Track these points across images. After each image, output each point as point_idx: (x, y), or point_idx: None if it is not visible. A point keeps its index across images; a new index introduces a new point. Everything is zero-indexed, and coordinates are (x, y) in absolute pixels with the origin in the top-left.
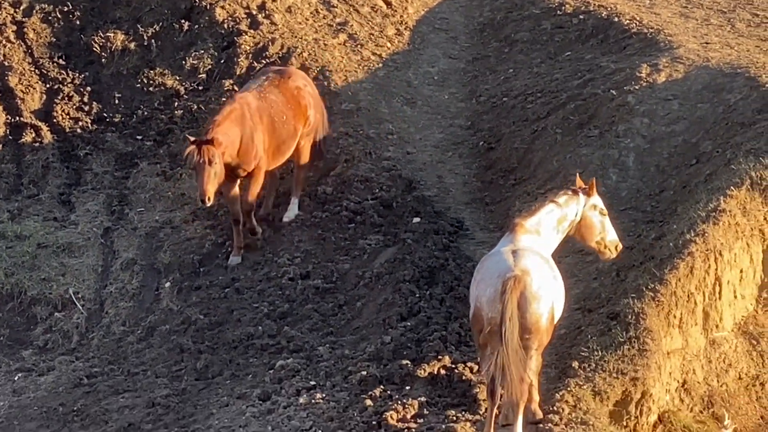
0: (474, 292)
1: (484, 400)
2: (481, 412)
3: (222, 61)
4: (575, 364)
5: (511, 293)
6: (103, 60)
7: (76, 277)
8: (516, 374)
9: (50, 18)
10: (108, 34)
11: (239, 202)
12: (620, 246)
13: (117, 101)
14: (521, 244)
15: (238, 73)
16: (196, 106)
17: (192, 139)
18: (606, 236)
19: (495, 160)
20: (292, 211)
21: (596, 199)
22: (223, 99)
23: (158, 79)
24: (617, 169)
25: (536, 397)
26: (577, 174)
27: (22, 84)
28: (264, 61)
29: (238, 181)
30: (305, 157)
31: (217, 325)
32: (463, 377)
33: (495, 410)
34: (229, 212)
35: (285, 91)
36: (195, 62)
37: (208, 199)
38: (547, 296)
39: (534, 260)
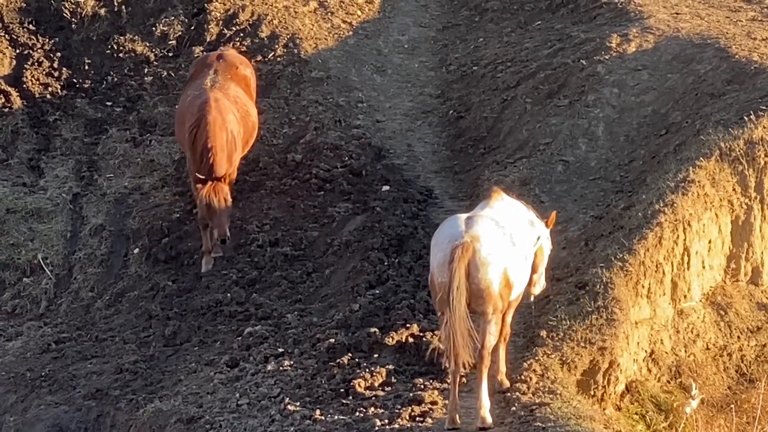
0: (430, 258)
1: (445, 368)
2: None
3: (192, 28)
4: (543, 333)
5: (459, 261)
6: (73, 26)
7: (44, 242)
8: (461, 341)
9: None
10: None
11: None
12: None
13: (87, 67)
14: (486, 210)
15: (208, 39)
16: (165, 73)
17: (202, 178)
18: (542, 274)
19: (464, 128)
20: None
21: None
22: (191, 97)
23: (128, 45)
24: (586, 139)
25: (503, 368)
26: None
27: None
28: (234, 28)
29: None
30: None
31: (186, 292)
32: (431, 345)
33: (458, 377)
34: (198, 215)
35: (239, 82)
36: (165, 29)
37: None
38: (498, 262)
39: (487, 226)
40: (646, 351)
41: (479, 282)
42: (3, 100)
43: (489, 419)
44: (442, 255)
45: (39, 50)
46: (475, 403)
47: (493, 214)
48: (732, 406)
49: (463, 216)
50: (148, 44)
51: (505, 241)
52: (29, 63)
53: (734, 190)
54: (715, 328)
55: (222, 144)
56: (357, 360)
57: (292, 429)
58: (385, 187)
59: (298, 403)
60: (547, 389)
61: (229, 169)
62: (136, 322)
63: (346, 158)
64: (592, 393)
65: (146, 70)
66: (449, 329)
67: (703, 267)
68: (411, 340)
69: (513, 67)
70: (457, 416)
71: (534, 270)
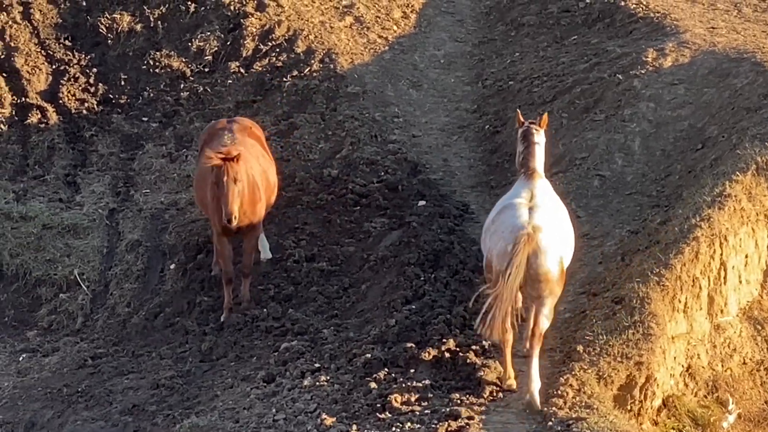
0: (486, 242)
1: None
2: (485, 394)
3: (228, 43)
4: (580, 348)
5: (521, 251)
6: (109, 41)
7: (81, 258)
8: (502, 315)
9: None
10: (114, 15)
11: (232, 262)
12: None
13: (123, 83)
14: (537, 191)
15: (244, 55)
16: (201, 88)
17: (216, 155)
18: None
19: (500, 143)
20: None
21: None
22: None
23: (164, 60)
24: (623, 154)
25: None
26: None
27: (28, 65)
28: (270, 44)
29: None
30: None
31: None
32: (468, 360)
33: (510, 350)
34: (222, 271)
35: (256, 141)
36: (201, 44)
37: (235, 218)
38: (556, 251)
39: (547, 216)
40: (682, 366)
41: (538, 268)
42: (39, 115)
43: (537, 401)
44: (504, 244)
45: (75, 66)
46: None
47: (548, 202)
48: None
49: (523, 204)
50: (184, 60)
51: (562, 231)
52: (65, 79)
53: None
54: (752, 343)
55: (246, 185)
56: (393, 375)
57: None
58: (422, 202)
59: (334, 418)
60: (583, 404)
61: (253, 218)
62: (173, 338)
63: (382, 173)
64: (628, 408)
65: (182, 85)
66: (496, 303)
67: (740, 281)
68: (447, 355)
69: (549, 82)
70: (514, 382)
71: None
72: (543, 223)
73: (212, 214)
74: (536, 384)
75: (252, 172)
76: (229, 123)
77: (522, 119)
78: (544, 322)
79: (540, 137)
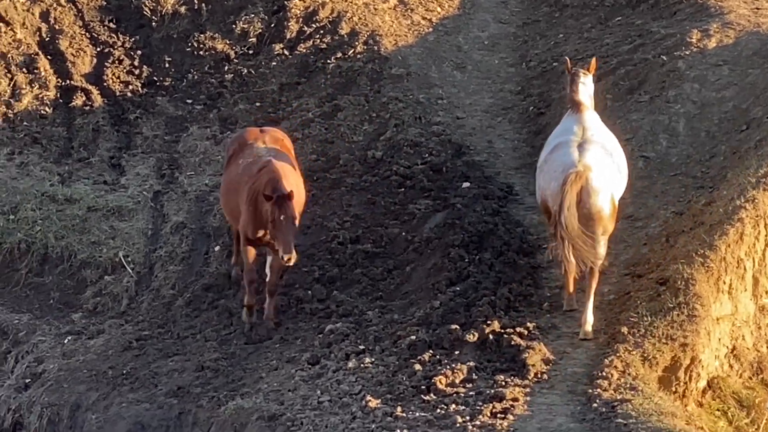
0: (540, 182)
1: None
2: (530, 376)
3: (272, 25)
4: (624, 329)
5: (570, 187)
6: (153, 24)
7: (125, 240)
8: (581, 250)
9: None
10: None
11: (254, 274)
12: None
13: (167, 65)
14: (587, 125)
15: (288, 37)
16: (246, 70)
17: (270, 195)
18: None
19: (545, 125)
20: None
21: None
22: (244, 165)
23: (208, 43)
24: (667, 135)
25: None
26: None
27: (72, 47)
28: (314, 26)
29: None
30: None
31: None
32: (512, 342)
33: (572, 284)
34: (244, 273)
35: (289, 154)
36: (245, 26)
37: (292, 258)
38: (607, 189)
39: (597, 154)
40: (727, 347)
41: (590, 207)
42: (84, 98)
43: (591, 332)
44: (556, 184)
45: (120, 48)
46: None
47: (598, 137)
48: None
49: (574, 141)
50: (228, 42)
51: (614, 168)
52: (110, 61)
53: None
54: None
55: (290, 179)
56: (438, 357)
57: (373, 426)
58: (466, 184)
59: (379, 400)
60: (628, 386)
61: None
62: (218, 320)
63: (426, 155)
64: (673, 389)
65: (226, 67)
66: (563, 246)
67: None
68: (492, 336)
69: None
70: (574, 302)
71: None
72: (593, 161)
73: (245, 227)
74: (590, 321)
75: (293, 180)
76: (261, 133)
77: (571, 66)
78: (598, 254)
79: (587, 79)
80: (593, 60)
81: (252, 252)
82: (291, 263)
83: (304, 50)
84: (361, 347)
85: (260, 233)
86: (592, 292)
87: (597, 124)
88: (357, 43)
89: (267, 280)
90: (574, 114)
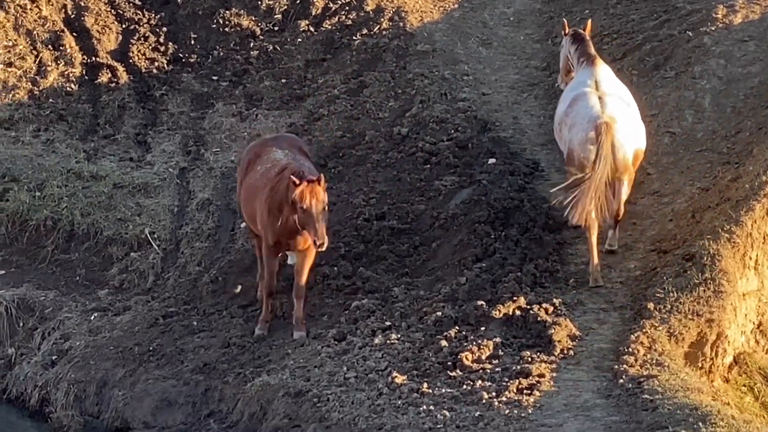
0: (564, 134)
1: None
2: (556, 352)
3: (297, 2)
4: (650, 305)
5: (605, 137)
6: (179, 0)
7: (152, 217)
8: (597, 201)
9: None
10: None
11: (273, 285)
12: None
13: (193, 42)
14: (601, 77)
15: (313, 13)
16: (271, 47)
17: (298, 181)
18: None
19: None
20: None
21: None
22: (263, 170)
23: (234, 19)
24: (693, 111)
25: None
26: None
27: (98, 24)
28: (339, 2)
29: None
30: None
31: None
32: (538, 318)
33: (595, 236)
34: (264, 284)
35: (306, 158)
36: (270, 3)
37: (325, 244)
38: (632, 140)
39: (619, 107)
40: (753, 323)
41: (619, 156)
42: (110, 75)
43: (600, 279)
44: (584, 134)
45: (145, 25)
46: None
47: (614, 89)
48: None
49: (594, 95)
50: (253, 18)
51: (633, 119)
52: (135, 38)
53: None
54: None
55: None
56: (464, 333)
57: (399, 402)
58: (492, 160)
59: (405, 377)
60: (654, 361)
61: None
62: (244, 297)
63: (452, 131)
64: (699, 365)
65: (252, 44)
66: (587, 189)
67: None
68: (518, 312)
69: (619, 39)
70: (600, 276)
71: None
72: (616, 113)
73: (266, 230)
74: (595, 268)
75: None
76: (278, 140)
77: (568, 28)
78: (623, 197)
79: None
80: (589, 22)
81: (274, 258)
82: (323, 249)
83: (330, 26)
84: (387, 323)
85: (281, 235)
86: (616, 227)
87: (610, 75)
88: (382, 19)
89: (294, 283)
90: (588, 67)
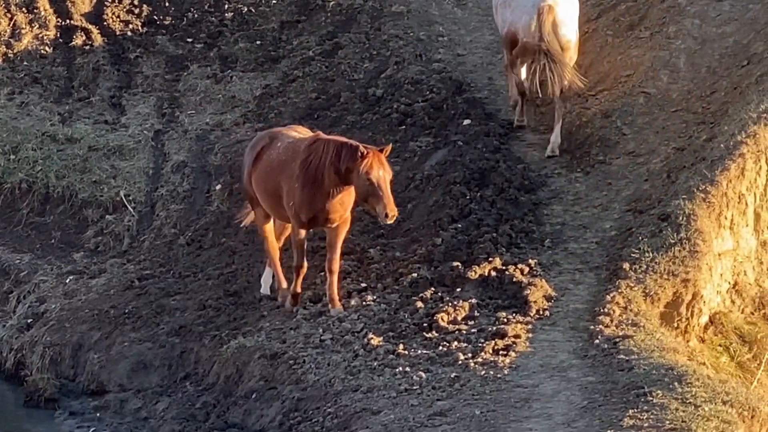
0: (507, 16)
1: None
2: (531, 313)
3: None
4: (626, 265)
5: (546, 18)
6: None
7: (127, 179)
8: (563, 66)
9: None
10: None
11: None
12: None
13: (167, 3)
14: None
15: None
16: (246, 9)
17: (365, 151)
18: None
19: None
20: None
21: None
22: (279, 150)
23: None
24: (668, 71)
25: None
26: None
27: None
28: None
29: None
30: None
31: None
32: (514, 279)
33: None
34: (296, 259)
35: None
36: None
37: (395, 215)
38: (573, 22)
39: None
40: (729, 282)
41: (561, 38)
42: (84, 38)
43: (558, 151)
44: (528, 17)
45: None
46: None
47: None
48: None
49: None
50: None
51: (574, 6)
52: (110, 0)
53: None
54: None
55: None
56: (440, 294)
57: (375, 363)
58: (467, 121)
59: (381, 338)
60: (630, 322)
61: (347, 212)
62: (219, 259)
63: (427, 92)
64: (675, 325)
65: (226, 6)
66: (544, 65)
67: None
68: (494, 273)
69: (594, 0)
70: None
71: None
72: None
73: (300, 207)
74: (558, 139)
75: None
76: (289, 128)
77: None
78: (566, 75)
79: None
80: None
81: (304, 236)
82: (393, 221)
83: None
84: (363, 285)
85: (317, 210)
86: (561, 115)
87: None
88: None
89: (328, 259)
90: None
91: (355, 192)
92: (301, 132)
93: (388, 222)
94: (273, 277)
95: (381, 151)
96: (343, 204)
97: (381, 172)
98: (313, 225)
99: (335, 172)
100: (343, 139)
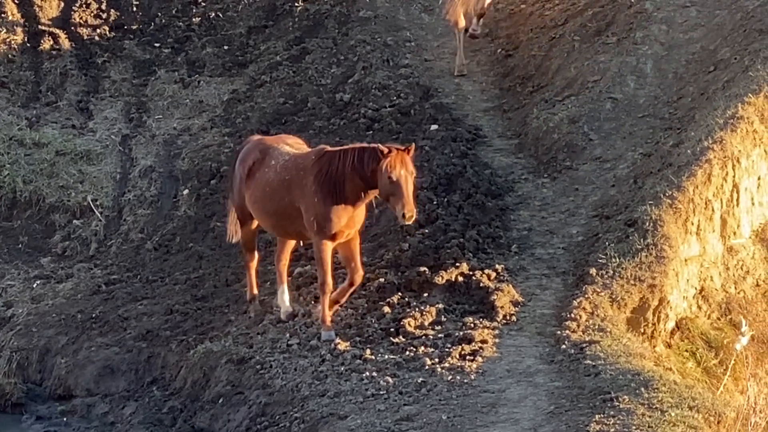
0: None
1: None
2: (498, 318)
3: None
4: (593, 271)
5: None
6: None
7: (94, 184)
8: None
9: None
10: None
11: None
12: None
13: (135, 8)
14: None
15: None
16: (213, 14)
17: (387, 149)
18: None
19: (513, 67)
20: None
21: None
22: (281, 164)
23: None
24: (635, 77)
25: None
26: None
27: None
28: None
29: None
30: None
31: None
32: (481, 284)
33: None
34: (323, 283)
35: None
36: None
37: (414, 214)
38: None
39: None
40: (695, 288)
41: None
42: (52, 42)
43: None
44: None
45: None
46: None
47: None
48: None
49: None
50: None
51: None
52: (77, 5)
53: None
54: (765, 265)
55: None
56: (407, 299)
57: (342, 368)
58: (434, 126)
59: (348, 343)
60: (596, 327)
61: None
62: (186, 264)
63: (395, 98)
64: (642, 330)
65: (194, 10)
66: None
67: (753, 203)
68: (461, 279)
69: (561, 5)
70: (464, 68)
71: None
72: None
73: (324, 222)
74: (464, 59)
75: None
76: (280, 139)
77: None
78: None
79: None
80: None
81: (330, 250)
82: (412, 222)
83: None
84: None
85: (344, 221)
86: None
87: None
88: None
89: (351, 271)
90: None
91: (378, 191)
92: (289, 143)
93: (406, 222)
94: (285, 293)
95: (405, 150)
96: (362, 212)
97: (403, 172)
98: (338, 237)
99: (360, 177)
100: (358, 144)
